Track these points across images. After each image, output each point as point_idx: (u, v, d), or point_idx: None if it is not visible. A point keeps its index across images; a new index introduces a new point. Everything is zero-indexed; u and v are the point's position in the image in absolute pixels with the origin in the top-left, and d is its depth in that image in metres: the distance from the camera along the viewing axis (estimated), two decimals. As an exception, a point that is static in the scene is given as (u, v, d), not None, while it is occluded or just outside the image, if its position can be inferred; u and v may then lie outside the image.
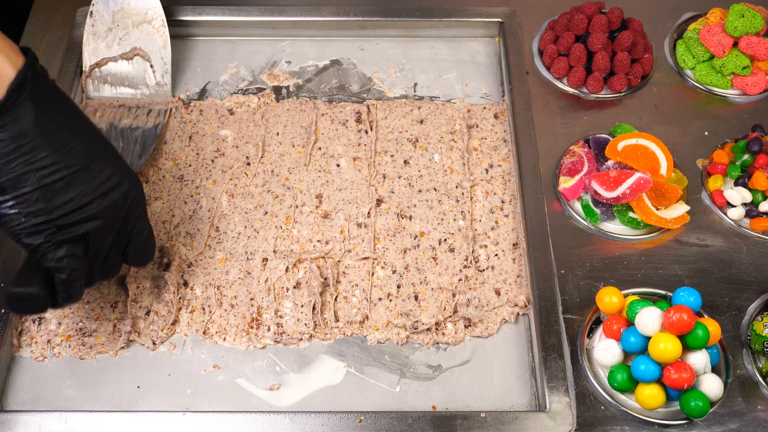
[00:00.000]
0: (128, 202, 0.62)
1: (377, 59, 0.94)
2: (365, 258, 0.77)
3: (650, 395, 0.63)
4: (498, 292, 0.75)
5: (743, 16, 0.86)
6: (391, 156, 0.84)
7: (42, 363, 0.71)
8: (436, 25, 0.94)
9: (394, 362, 0.71)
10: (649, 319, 0.63)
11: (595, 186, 0.76)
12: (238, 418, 0.65)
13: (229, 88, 0.91)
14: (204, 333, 0.72)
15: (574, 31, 0.89)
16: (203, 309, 0.74)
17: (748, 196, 0.78)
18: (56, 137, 0.57)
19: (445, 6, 0.95)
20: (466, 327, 0.73)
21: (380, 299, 0.74)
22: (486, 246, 0.78)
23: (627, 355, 0.66)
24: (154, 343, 0.72)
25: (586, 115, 0.87)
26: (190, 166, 0.83)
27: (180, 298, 0.74)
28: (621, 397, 0.66)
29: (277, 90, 0.91)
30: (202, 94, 0.90)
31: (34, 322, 0.73)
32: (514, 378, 0.70)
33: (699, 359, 0.63)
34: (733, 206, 0.78)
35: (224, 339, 0.72)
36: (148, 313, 0.73)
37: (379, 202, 0.81)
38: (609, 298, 0.68)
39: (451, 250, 0.77)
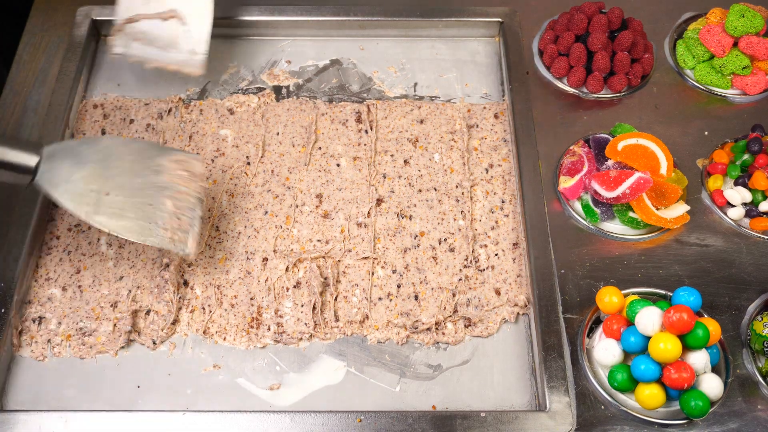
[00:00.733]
0: None
1: (377, 59, 0.94)
2: (365, 258, 0.77)
3: (650, 395, 0.63)
4: (498, 292, 0.75)
5: (743, 16, 0.86)
6: (391, 156, 0.84)
7: (42, 363, 0.71)
8: (436, 25, 0.94)
9: (394, 362, 0.71)
10: (649, 318, 0.63)
11: (595, 186, 0.76)
12: (238, 418, 0.65)
13: (229, 87, 0.91)
14: (204, 333, 0.72)
15: (574, 30, 0.89)
16: (203, 309, 0.74)
17: (748, 196, 0.78)
18: None
19: (445, 6, 0.95)
20: (466, 327, 0.73)
21: (380, 299, 0.74)
22: (486, 246, 0.78)
23: (627, 355, 0.66)
24: (154, 343, 0.72)
25: (586, 115, 0.87)
26: (190, 165, 0.83)
27: (180, 297, 0.74)
28: (621, 397, 0.66)
29: (277, 90, 0.91)
30: (202, 93, 0.90)
31: (34, 321, 0.73)
32: (514, 378, 0.70)
33: (699, 359, 0.63)
34: (733, 206, 0.78)
35: (224, 339, 0.72)
36: (148, 313, 0.73)
37: (379, 201, 0.81)
38: (609, 298, 0.68)
39: (451, 250, 0.77)
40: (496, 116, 0.88)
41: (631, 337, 0.64)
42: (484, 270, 0.76)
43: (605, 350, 0.66)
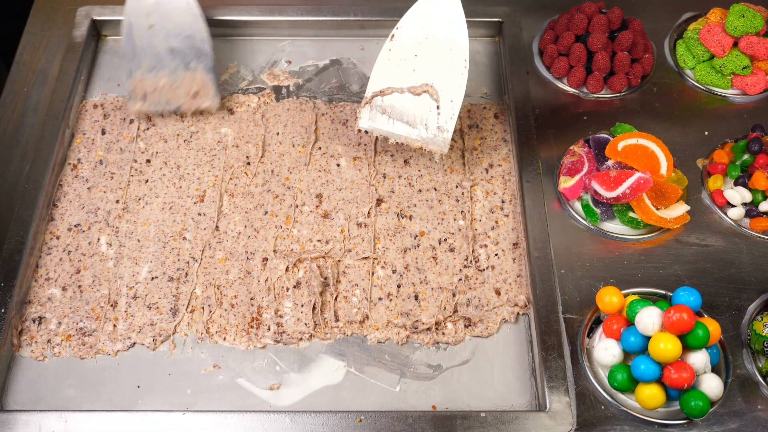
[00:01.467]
0: None
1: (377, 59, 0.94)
2: (365, 258, 0.77)
3: (650, 395, 0.63)
4: (498, 292, 0.75)
5: (743, 16, 0.86)
6: (391, 156, 0.84)
7: (42, 363, 0.71)
8: (436, 25, 0.94)
9: (394, 362, 0.71)
10: (649, 318, 0.63)
11: (595, 186, 0.76)
12: (238, 418, 0.65)
13: (229, 87, 0.91)
14: (204, 333, 0.72)
15: (574, 31, 0.89)
16: (203, 309, 0.74)
17: (748, 196, 0.78)
18: None
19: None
20: (466, 327, 0.73)
21: (380, 299, 0.74)
22: (486, 246, 0.78)
23: (627, 355, 0.66)
24: (154, 342, 0.72)
25: (586, 115, 0.87)
26: (189, 165, 0.83)
27: (180, 295, 0.74)
28: (621, 397, 0.66)
29: (277, 90, 0.91)
30: (202, 93, 0.90)
31: (34, 321, 0.73)
32: (514, 378, 0.70)
33: (699, 359, 0.63)
34: (733, 206, 0.78)
35: (224, 339, 0.72)
36: (147, 311, 0.73)
37: (379, 201, 0.81)
38: (609, 298, 0.68)
39: (451, 250, 0.77)
40: (496, 116, 0.88)
41: (631, 337, 0.64)
42: (484, 270, 0.76)
43: (605, 350, 0.66)
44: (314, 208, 0.80)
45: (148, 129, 0.86)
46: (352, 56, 0.94)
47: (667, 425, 0.65)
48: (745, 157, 0.79)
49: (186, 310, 0.74)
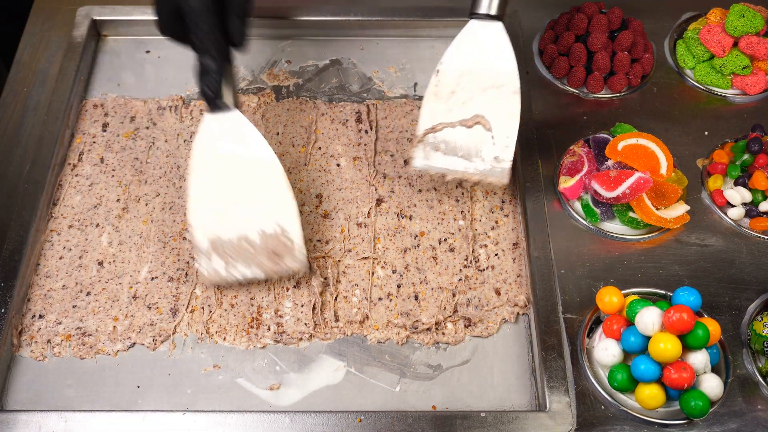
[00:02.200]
0: None
1: (377, 59, 0.94)
2: (365, 258, 0.77)
3: (650, 395, 0.63)
4: (498, 292, 0.75)
5: (743, 16, 0.86)
6: (391, 155, 0.84)
7: (42, 363, 0.71)
8: (436, 25, 0.94)
9: (394, 362, 0.71)
10: (649, 318, 0.63)
11: (595, 186, 0.76)
12: (238, 418, 0.65)
13: (229, 87, 0.91)
14: (204, 333, 0.72)
15: (574, 30, 0.89)
16: (203, 309, 0.74)
17: (748, 196, 0.78)
18: None
19: (445, 6, 0.95)
20: (466, 327, 0.73)
21: (380, 299, 0.74)
22: (486, 246, 0.78)
23: (627, 355, 0.66)
24: (154, 342, 0.72)
25: (586, 115, 0.87)
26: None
27: (180, 295, 0.74)
28: (621, 397, 0.66)
29: (277, 90, 0.91)
30: (202, 93, 0.90)
31: (34, 321, 0.73)
32: (514, 378, 0.70)
33: (699, 359, 0.63)
34: (733, 206, 0.78)
35: (224, 339, 0.72)
36: (147, 311, 0.73)
37: (379, 201, 0.81)
38: (609, 298, 0.68)
39: (451, 250, 0.77)
40: (496, 116, 0.88)
41: (631, 337, 0.64)
42: (484, 270, 0.76)
43: (605, 350, 0.66)
44: (314, 208, 0.80)
45: (148, 128, 0.86)
46: (352, 56, 0.94)
47: (667, 425, 0.66)
48: (745, 157, 0.79)
49: (186, 310, 0.74)
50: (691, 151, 0.83)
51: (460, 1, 0.96)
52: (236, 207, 0.69)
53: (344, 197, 0.81)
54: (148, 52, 0.95)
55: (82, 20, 0.92)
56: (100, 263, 0.76)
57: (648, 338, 0.63)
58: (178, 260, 0.76)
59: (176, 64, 0.93)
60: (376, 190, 0.82)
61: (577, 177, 0.79)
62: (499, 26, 0.73)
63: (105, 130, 0.86)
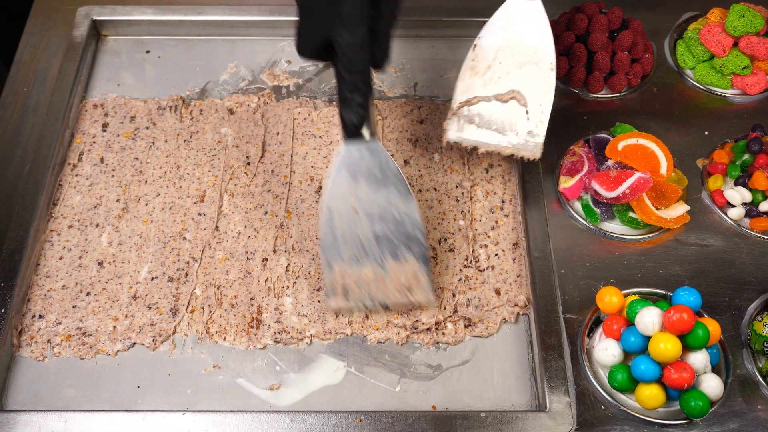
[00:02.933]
0: None
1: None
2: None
3: (650, 395, 0.63)
4: (498, 292, 0.75)
5: (743, 16, 0.86)
6: (391, 155, 0.84)
7: (42, 363, 0.71)
8: (436, 25, 0.94)
9: (394, 362, 0.71)
10: (649, 318, 0.63)
11: (595, 186, 0.76)
12: (238, 418, 0.65)
13: (229, 87, 0.91)
14: (204, 333, 0.72)
15: (574, 31, 0.89)
16: (203, 309, 0.74)
17: (748, 196, 0.78)
18: None
19: (445, 6, 0.95)
20: (466, 327, 0.73)
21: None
22: (486, 246, 0.78)
23: (627, 355, 0.66)
24: (154, 342, 0.72)
25: (586, 115, 0.87)
26: (189, 165, 0.83)
27: (180, 296, 0.74)
28: (621, 397, 0.66)
29: (277, 90, 0.91)
30: (202, 93, 0.90)
31: (34, 321, 0.73)
32: (514, 378, 0.70)
33: (699, 359, 0.63)
34: (733, 206, 0.78)
35: (224, 339, 0.72)
36: (147, 311, 0.73)
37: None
38: (609, 298, 0.68)
39: (451, 250, 0.77)
40: (496, 116, 0.88)
41: (631, 337, 0.64)
42: (484, 270, 0.76)
43: (605, 350, 0.66)
44: (315, 207, 0.80)
45: (148, 128, 0.86)
46: (352, 56, 0.94)
47: (667, 425, 0.66)
48: (745, 157, 0.79)
49: (186, 310, 0.74)
50: (691, 151, 0.83)
51: (460, 1, 0.96)
52: (368, 237, 0.69)
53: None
54: (148, 52, 0.95)
55: (82, 20, 0.93)
56: (100, 263, 0.76)
57: (648, 338, 0.63)
58: (178, 260, 0.76)
59: (176, 64, 0.93)
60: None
61: (577, 177, 0.79)
62: (537, 4, 0.75)
63: (105, 130, 0.86)
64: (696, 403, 0.62)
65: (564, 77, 0.90)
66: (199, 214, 0.80)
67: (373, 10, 0.61)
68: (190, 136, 0.86)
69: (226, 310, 0.74)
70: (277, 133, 0.86)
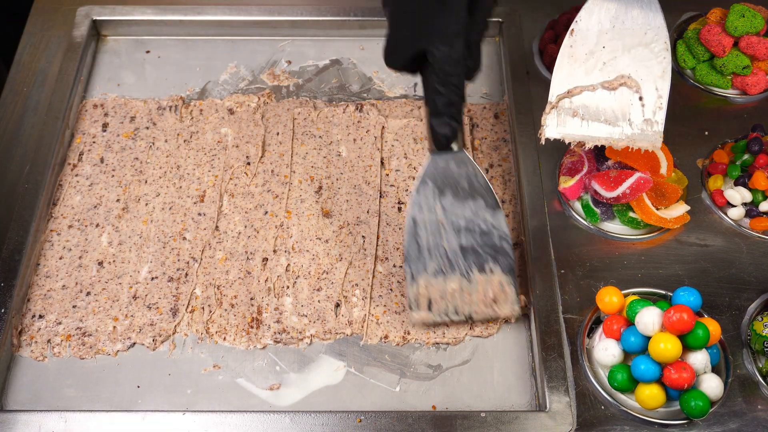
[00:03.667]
0: None
1: (377, 59, 0.93)
2: (366, 256, 0.77)
3: (650, 395, 0.63)
4: (498, 292, 0.75)
5: (743, 16, 0.86)
6: (392, 155, 0.84)
7: (42, 363, 0.71)
8: (436, 25, 0.94)
9: (394, 362, 0.71)
10: (649, 319, 0.63)
11: (595, 186, 0.76)
12: (238, 418, 0.65)
13: (229, 87, 0.91)
14: (204, 333, 0.72)
15: (574, 31, 0.88)
16: (203, 309, 0.74)
17: (748, 196, 0.78)
18: None
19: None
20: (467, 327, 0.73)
21: (380, 296, 0.74)
22: (486, 246, 0.78)
23: (627, 355, 0.66)
24: (154, 342, 0.72)
25: (586, 115, 0.87)
26: (189, 165, 0.83)
27: (180, 295, 0.74)
28: (621, 397, 0.66)
29: (277, 90, 0.91)
30: (202, 93, 0.90)
31: (34, 321, 0.73)
32: (514, 378, 0.70)
33: (699, 359, 0.63)
34: (733, 206, 0.78)
35: (224, 339, 0.72)
36: (147, 311, 0.73)
37: (379, 200, 0.81)
38: (609, 298, 0.68)
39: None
40: (496, 116, 0.88)
41: (631, 337, 0.64)
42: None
43: (605, 350, 0.66)
44: (315, 207, 0.80)
45: (148, 128, 0.86)
46: (352, 56, 0.94)
47: (667, 425, 0.65)
48: (745, 157, 0.79)
49: (186, 310, 0.74)
50: (691, 151, 0.83)
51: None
52: (454, 249, 0.67)
53: (345, 197, 0.81)
54: (148, 52, 0.95)
55: (82, 20, 0.93)
56: (100, 263, 0.76)
57: (648, 338, 0.63)
58: (178, 260, 0.76)
59: (176, 64, 0.93)
60: (376, 188, 0.81)
61: (577, 177, 0.79)
62: None
63: (105, 130, 0.86)
64: (696, 403, 0.62)
65: (564, 77, 0.89)
66: (199, 214, 0.80)
67: (468, 20, 0.58)
68: (190, 136, 0.86)
69: (226, 310, 0.74)
70: (277, 133, 0.86)
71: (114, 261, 0.76)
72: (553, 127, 0.72)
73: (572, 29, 0.70)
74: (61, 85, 0.87)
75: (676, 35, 0.94)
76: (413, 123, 0.87)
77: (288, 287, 0.75)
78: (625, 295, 0.69)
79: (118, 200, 0.80)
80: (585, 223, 0.78)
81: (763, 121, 0.85)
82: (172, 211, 0.80)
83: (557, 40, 0.90)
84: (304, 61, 0.93)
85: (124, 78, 0.92)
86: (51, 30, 0.94)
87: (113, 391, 0.69)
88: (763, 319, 0.69)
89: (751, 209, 0.78)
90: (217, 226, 0.79)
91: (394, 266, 0.76)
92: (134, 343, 0.72)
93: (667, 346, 0.61)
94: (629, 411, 0.66)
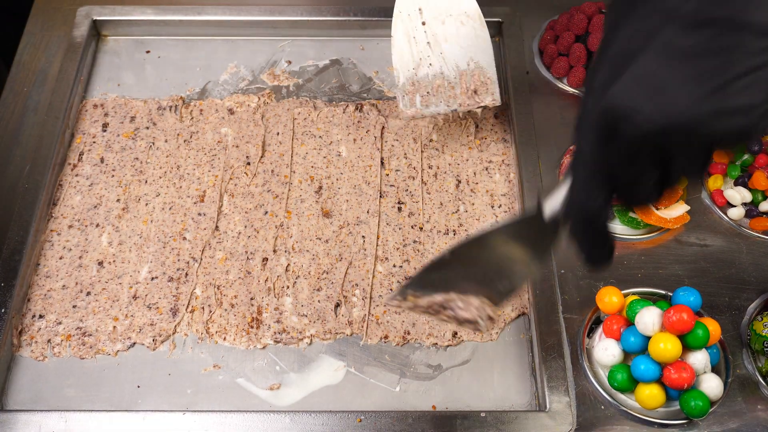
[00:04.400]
0: None
1: (377, 59, 0.94)
2: (366, 256, 0.77)
3: (650, 395, 0.63)
4: (498, 292, 0.75)
5: (743, 16, 0.86)
6: (392, 155, 0.84)
7: (42, 363, 0.71)
8: (436, 24, 0.94)
9: (394, 362, 0.71)
10: (649, 318, 0.63)
11: (595, 186, 0.76)
12: (238, 418, 0.65)
13: (229, 87, 0.91)
14: (204, 333, 0.72)
15: (574, 30, 0.89)
16: (203, 309, 0.74)
17: (748, 196, 0.78)
18: None
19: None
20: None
21: (380, 296, 0.74)
22: (486, 246, 0.78)
23: (627, 355, 0.66)
24: (154, 342, 0.72)
25: (586, 115, 0.87)
26: (189, 165, 0.83)
27: (180, 295, 0.74)
28: (621, 397, 0.66)
29: (277, 90, 0.91)
30: (202, 93, 0.90)
31: (34, 321, 0.73)
32: (514, 378, 0.70)
33: (699, 359, 0.63)
34: (733, 206, 0.78)
35: (224, 339, 0.72)
36: (147, 311, 0.73)
37: (379, 200, 0.81)
38: (609, 298, 0.68)
39: (451, 250, 0.77)
40: (496, 116, 0.88)
41: (631, 337, 0.64)
42: (484, 270, 0.76)
43: (605, 350, 0.66)
44: (315, 207, 0.80)
45: (148, 128, 0.86)
46: (352, 56, 0.94)
47: (667, 425, 0.66)
48: (745, 157, 0.79)
49: (186, 310, 0.74)
50: (691, 151, 0.83)
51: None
52: (435, 46, 0.74)
53: (345, 197, 0.81)
54: (148, 52, 0.95)
55: (82, 20, 0.93)
56: (100, 263, 0.76)
57: (648, 338, 0.63)
58: (178, 260, 0.76)
59: (176, 64, 0.93)
60: (376, 189, 0.81)
61: (577, 177, 0.79)
62: None
63: (105, 130, 0.86)
64: (696, 403, 0.62)
65: (564, 77, 0.90)
66: (199, 214, 0.80)
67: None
68: (190, 136, 0.86)
69: (226, 310, 0.74)
70: (277, 133, 0.86)
71: (114, 261, 0.76)
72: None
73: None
74: (61, 85, 0.87)
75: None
76: (413, 123, 0.87)
77: (288, 287, 0.75)
78: (625, 295, 0.69)
79: (118, 200, 0.80)
80: (585, 223, 0.78)
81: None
82: (172, 211, 0.80)
83: (557, 40, 0.90)
84: (304, 61, 0.93)
85: (124, 78, 0.92)
86: (51, 30, 0.94)
87: (113, 391, 0.69)
88: (763, 319, 0.69)
89: (751, 209, 0.78)
90: (217, 226, 0.79)
91: (394, 266, 0.76)
92: (134, 343, 0.72)
93: (667, 346, 0.61)
94: (629, 411, 0.66)
